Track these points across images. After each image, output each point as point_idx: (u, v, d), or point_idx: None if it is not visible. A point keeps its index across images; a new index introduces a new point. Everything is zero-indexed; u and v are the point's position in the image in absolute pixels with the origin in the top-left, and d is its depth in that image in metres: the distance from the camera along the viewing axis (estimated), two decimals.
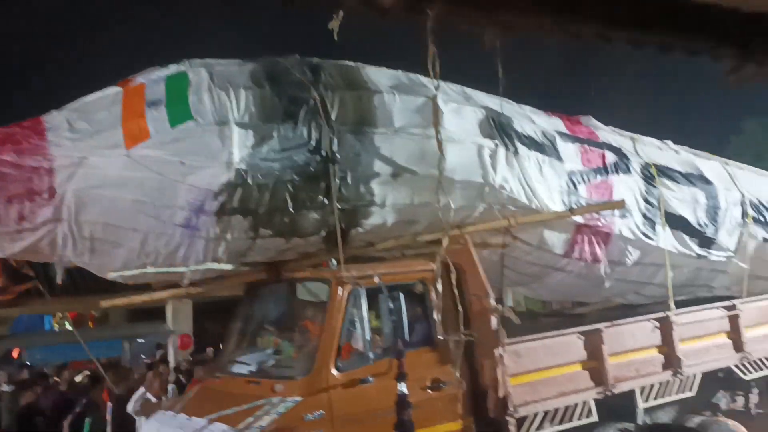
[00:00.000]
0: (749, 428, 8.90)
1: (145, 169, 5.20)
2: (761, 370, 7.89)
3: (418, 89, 6.15)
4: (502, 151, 6.22)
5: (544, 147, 6.59)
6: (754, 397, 8.59)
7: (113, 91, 5.61)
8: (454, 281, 5.85)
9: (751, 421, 8.80)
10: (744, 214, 7.72)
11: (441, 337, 5.86)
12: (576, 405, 6.32)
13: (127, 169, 5.22)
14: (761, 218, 7.85)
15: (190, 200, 5.24)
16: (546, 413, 6.13)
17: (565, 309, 9.64)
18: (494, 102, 6.73)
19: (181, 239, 5.38)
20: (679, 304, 7.85)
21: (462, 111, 6.23)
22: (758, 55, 4.85)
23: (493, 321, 5.88)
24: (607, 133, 7.46)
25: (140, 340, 15.32)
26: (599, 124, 7.53)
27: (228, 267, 5.64)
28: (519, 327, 6.63)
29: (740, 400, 8.45)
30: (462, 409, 5.81)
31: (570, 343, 6.44)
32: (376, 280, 5.43)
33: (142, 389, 7.66)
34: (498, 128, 6.33)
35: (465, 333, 5.78)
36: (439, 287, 5.77)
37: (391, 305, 5.38)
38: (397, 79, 6.19)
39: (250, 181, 5.27)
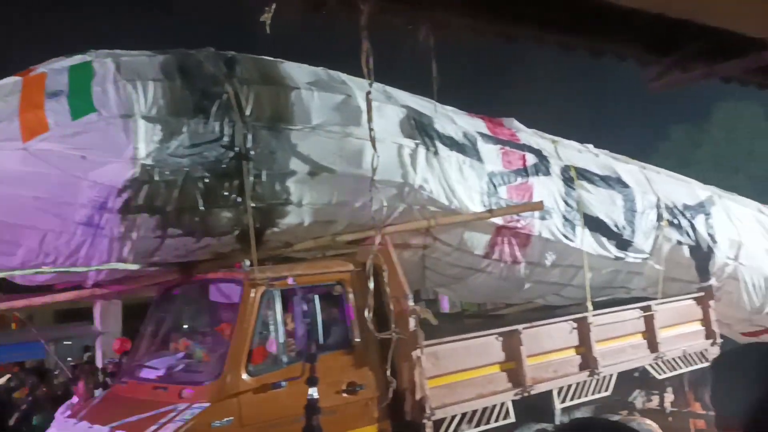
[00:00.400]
0: (664, 426, 9.16)
1: (44, 164, 4.90)
2: (675, 369, 8.09)
3: (338, 86, 6.02)
4: (422, 151, 6.17)
5: (464, 148, 6.57)
6: (669, 396, 8.81)
7: (12, 80, 5.28)
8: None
9: (665, 419, 9.06)
10: (659, 217, 7.90)
11: (358, 340, 5.77)
12: (494, 406, 6.32)
13: (24, 164, 4.91)
14: (675, 221, 8.05)
15: (92, 197, 4.97)
16: (464, 415, 6.10)
17: (499, 309, 9.67)
18: (417, 102, 6.69)
19: (83, 238, 5.10)
20: (598, 305, 8.01)
21: (383, 110, 6.13)
22: (682, 62, 4.89)
23: (411, 322, 5.81)
24: (529, 136, 7.51)
25: (67, 342, 14.80)
26: (521, 126, 7.57)
27: (134, 267, 5.38)
28: (447, 328, 6.62)
29: (655, 399, 8.65)
30: (379, 412, 5.73)
31: (489, 344, 6.43)
32: (290, 281, 5.28)
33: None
34: (419, 128, 6.27)
35: (396, 331, 5.68)
36: (371, 285, 5.64)
37: (306, 307, 5.25)
38: (316, 76, 6.05)
39: (156, 177, 5.04)
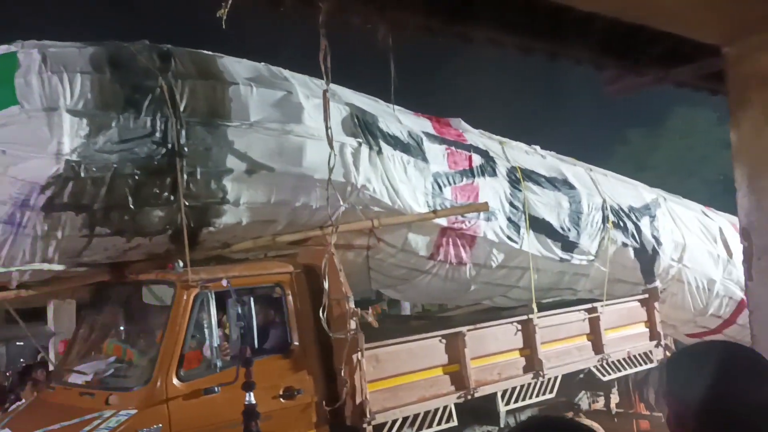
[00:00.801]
0: (610, 428, 9.21)
1: None
2: (619, 371, 8.13)
3: (279, 83, 5.87)
4: (365, 150, 6.05)
5: (409, 147, 6.48)
6: (614, 397, 8.87)
7: None
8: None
9: (611, 421, 9.11)
10: (605, 219, 7.93)
11: (297, 343, 5.63)
12: (437, 410, 6.24)
13: None
14: (621, 223, 8.09)
15: (13, 194, 4.72)
16: (405, 419, 6.01)
17: (454, 310, 9.59)
18: (362, 100, 6.57)
19: (4, 237, 4.85)
20: (545, 307, 8.00)
21: None
22: (637, 66, 4.86)
23: (352, 324, 5.68)
24: (476, 136, 7.45)
25: (19, 343, 14.31)
26: (468, 127, 7.51)
27: (58, 267, 5.14)
28: (394, 330, 6.52)
29: (601, 401, 8.69)
30: (318, 417, 5.59)
31: (432, 346, 6.35)
32: (224, 283, 5.10)
33: None
34: (362, 127, 6.15)
35: (351, 331, 5.57)
36: (326, 285, 5.52)
37: (242, 310, 5.07)
38: (256, 71, 5.88)
39: (83, 174, 4.81)
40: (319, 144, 5.76)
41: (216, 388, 5.05)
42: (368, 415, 5.63)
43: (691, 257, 8.83)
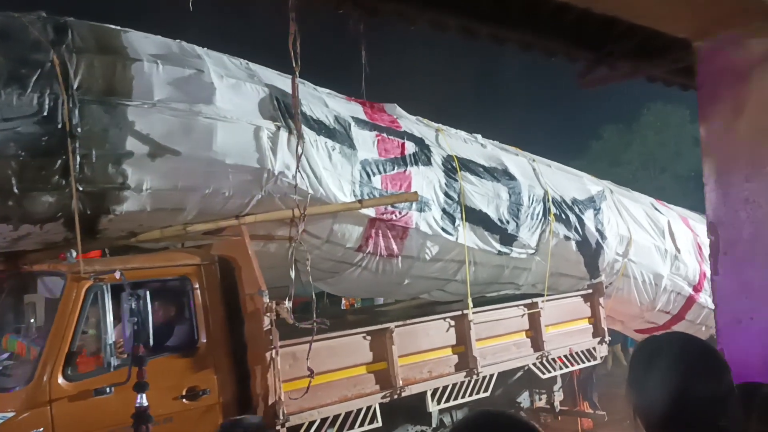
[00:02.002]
0: (553, 426, 9.00)
1: None
2: (561, 369, 7.88)
3: (190, 60, 5.45)
4: (284, 134, 5.66)
5: (335, 133, 6.11)
6: (558, 395, 8.63)
7: None
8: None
9: (555, 419, 8.90)
10: (546, 212, 7.64)
11: (204, 340, 5.27)
12: (360, 410, 5.93)
13: None
14: (563, 216, 7.82)
15: None
16: (324, 420, 5.68)
17: (393, 304, 9.26)
18: (285, 82, 6.18)
19: None
20: (486, 302, 7.73)
21: (241, 88, 5.61)
22: (609, 59, 4.70)
23: (266, 321, 5.32)
24: (411, 123, 7.11)
25: None
26: (404, 113, 7.16)
27: None
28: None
29: (544, 398, 8.44)
30: (225, 418, 5.23)
31: (356, 344, 6.03)
32: (117, 275, 4.71)
33: None
34: (282, 109, 5.76)
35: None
36: (293, 274, 5.19)
37: (137, 305, 4.67)
38: (166, 48, 5.46)
39: None
40: (232, 127, 5.38)
41: (108, 389, 4.66)
42: (281, 417, 5.29)
43: (637, 251, 8.61)
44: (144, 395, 4.52)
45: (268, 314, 5.31)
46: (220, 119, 5.31)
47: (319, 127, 6.00)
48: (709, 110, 3.42)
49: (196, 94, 5.25)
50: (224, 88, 5.43)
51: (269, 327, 5.31)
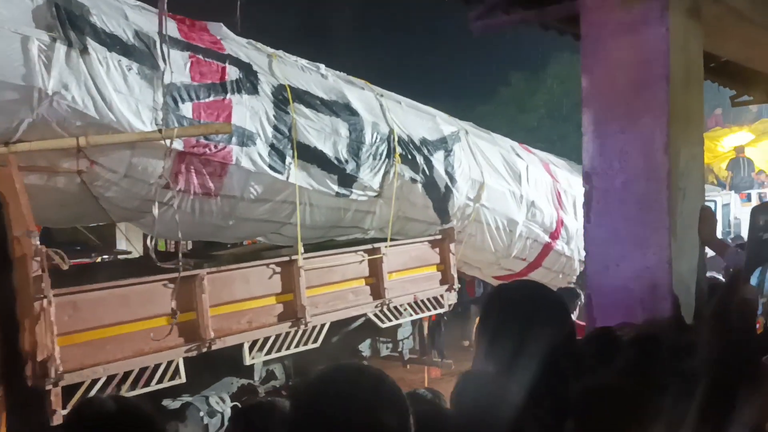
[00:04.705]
0: (401, 376, 8.74)
1: None
2: (405, 317, 7.53)
3: None
4: (61, 47, 4.79)
5: (133, 50, 5.28)
6: (407, 343, 8.35)
7: None
8: None
9: (404, 366, 8.63)
10: (391, 152, 7.12)
11: None
12: (159, 366, 5.31)
13: None
14: (409, 157, 7.32)
15: None
16: (112, 377, 5.03)
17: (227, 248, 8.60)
18: None
19: None
20: (327, 247, 7.20)
21: None
22: (504, 4, 4.32)
23: (35, 266, 4.56)
24: (238, 46, 6.33)
25: None
26: (231, 35, 6.37)
27: None
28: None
29: (390, 347, 8.12)
30: None
31: (155, 292, 5.36)
32: None
33: None
34: (63, 19, 4.86)
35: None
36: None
37: None
38: None
39: None
40: None
41: None
42: (53, 375, 4.60)
43: (490, 196, 8.28)
44: None
45: (37, 258, 4.56)
46: None
47: (113, 42, 5.14)
48: (591, 61, 3.44)
49: None
50: None
51: (39, 273, 4.56)
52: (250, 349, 5.98)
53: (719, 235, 11.39)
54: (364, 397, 1.41)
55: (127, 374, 5.15)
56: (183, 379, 5.42)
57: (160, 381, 5.30)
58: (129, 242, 7.69)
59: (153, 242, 5.74)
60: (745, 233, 12.34)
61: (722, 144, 17.84)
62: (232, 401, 6.13)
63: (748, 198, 14.42)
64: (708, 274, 3.64)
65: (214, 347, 5.64)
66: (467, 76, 32.95)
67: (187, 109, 5.53)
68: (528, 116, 30.10)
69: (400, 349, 8.19)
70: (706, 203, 3.54)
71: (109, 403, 2.13)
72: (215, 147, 5.71)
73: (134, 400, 2.48)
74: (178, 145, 5.46)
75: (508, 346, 1.73)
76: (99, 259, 9.49)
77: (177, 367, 5.42)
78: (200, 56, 5.77)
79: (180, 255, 5.39)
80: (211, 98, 5.73)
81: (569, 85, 32.89)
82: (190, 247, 7.90)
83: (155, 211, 5.82)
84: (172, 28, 5.77)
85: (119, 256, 9.27)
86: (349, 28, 27.64)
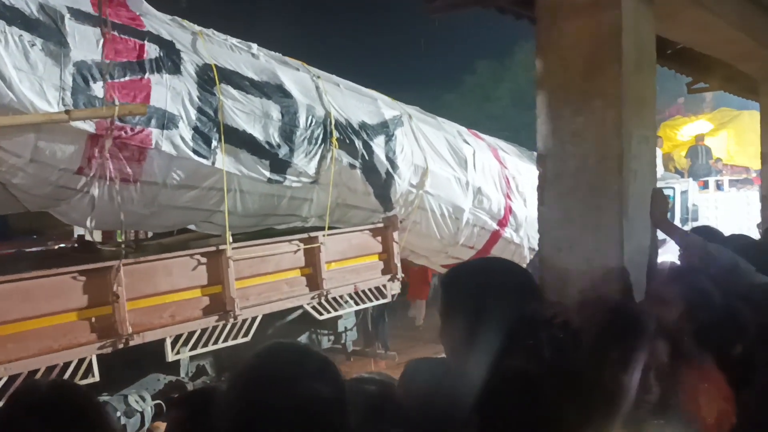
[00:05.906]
0: (345, 369, 8.48)
1: None
2: (344, 308, 7.26)
3: None
4: None
5: (37, 24, 4.88)
6: (351, 335, 8.09)
7: None
8: None
9: (348, 359, 8.39)
10: (328, 136, 6.82)
11: None
12: (69, 363, 4.97)
13: None
14: (347, 141, 7.01)
15: None
16: (15, 377, 4.67)
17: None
18: None
19: None
20: (261, 236, 6.89)
21: None
22: None
23: None
24: (160, 23, 5.95)
25: None
26: (153, 11, 5.98)
27: None
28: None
29: (332, 340, 7.86)
30: None
31: (66, 285, 5.00)
32: None
33: None
34: None
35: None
36: None
37: None
38: None
39: None
40: None
41: None
42: None
43: (434, 183, 8.03)
44: None
45: None
46: None
47: (12, 16, 4.74)
48: (545, 42, 3.38)
49: None
50: None
51: None
52: (173, 344, 5.66)
53: (678, 221, 11.37)
54: (289, 369, 1.43)
55: (33, 373, 4.80)
56: (96, 377, 5.09)
57: (74, 378, 4.96)
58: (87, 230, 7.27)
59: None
60: (703, 220, 12.31)
61: (681, 132, 17.94)
62: (157, 399, 5.82)
63: (706, 185, 14.46)
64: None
65: (132, 343, 5.31)
66: (432, 64, 32.69)
67: (98, 88, 5.16)
68: (493, 105, 30.06)
69: (343, 341, 7.94)
70: (665, 190, 3.43)
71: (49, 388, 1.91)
72: (132, 130, 5.35)
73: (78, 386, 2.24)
74: (89, 127, 5.10)
75: (463, 326, 1.73)
76: (56, 248, 9.06)
77: (90, 365, 5.08)
78: (116, 33, 5.39)
79: (122, 243, 5.03)
80: (127, 78, 5.36)
81: (533, 75, 32.92)
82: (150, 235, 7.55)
83: (74, 198, 5.50)
84: (82, 2, 5.38)
85: (56, 246, 8.84)
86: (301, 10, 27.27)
